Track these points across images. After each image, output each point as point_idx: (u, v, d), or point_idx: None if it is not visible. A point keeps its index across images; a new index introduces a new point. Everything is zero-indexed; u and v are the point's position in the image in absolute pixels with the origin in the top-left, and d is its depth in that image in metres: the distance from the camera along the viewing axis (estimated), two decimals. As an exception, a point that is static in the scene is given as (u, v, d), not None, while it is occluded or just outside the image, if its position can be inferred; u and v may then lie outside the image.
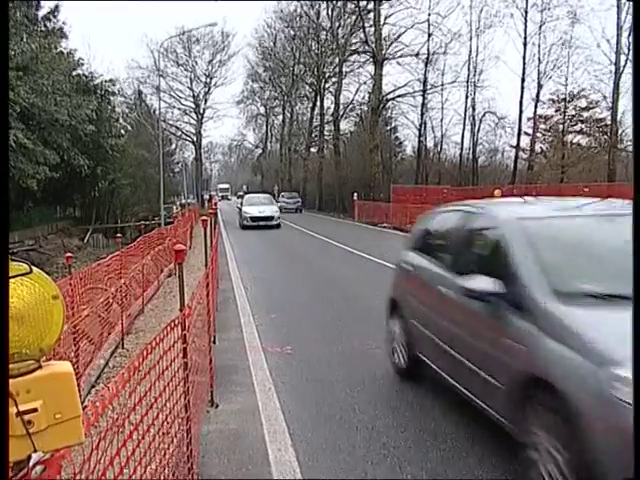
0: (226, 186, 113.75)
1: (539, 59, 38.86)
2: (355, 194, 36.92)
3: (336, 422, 4.87)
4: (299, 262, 16.64)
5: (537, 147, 42.49)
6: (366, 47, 43.81)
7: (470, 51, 42.95)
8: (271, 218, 29.96)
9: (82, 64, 34.51)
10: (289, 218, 36.76)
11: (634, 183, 2.07)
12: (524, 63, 39.13)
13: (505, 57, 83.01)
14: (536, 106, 40.03)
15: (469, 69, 43.32)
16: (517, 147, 41.77)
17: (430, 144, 48.89)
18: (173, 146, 73.71)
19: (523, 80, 39.28)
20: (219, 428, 4.84)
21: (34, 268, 1.38)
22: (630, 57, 28.58)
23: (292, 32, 56.46)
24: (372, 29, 42.77)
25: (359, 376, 6.07)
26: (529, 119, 41.12)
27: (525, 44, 38.87)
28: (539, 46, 38.66)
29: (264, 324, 8.67)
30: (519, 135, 41.32)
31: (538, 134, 41.86)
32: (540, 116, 40.87)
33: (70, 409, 1.35)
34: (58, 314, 1.40)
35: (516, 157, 41.94)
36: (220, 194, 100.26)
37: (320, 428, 4.77)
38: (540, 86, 39.18)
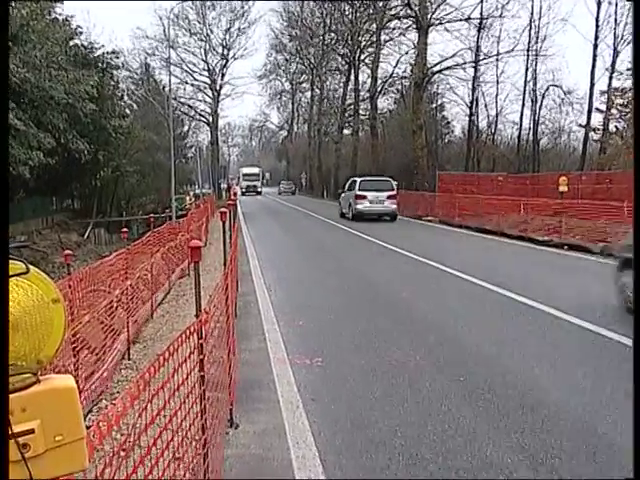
0: (255, 170, 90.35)
1: (615, 20, 38.12)
2: (395, 183, 36.69)
3: (374, 446, 4.84)
4: (328, 258, 16.61)
5: (611, 126, 41.71)
6: (408, 11, 43.41)
7: (532, 13, 42.76)
8: None
9: (80, 33, 35.18)
10: (314, 208, 36.79)
11: (634, 183, 2.06)
12: (597, 26, 38.57)
13: (574, 20, 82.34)
14: (611, 77, 39.39)
15: (530, 35, 43.02)
16: (587, 126, 41.16)
17: (483, 124, 48.70)
18: (186, 128, 74.57)
19: (596, 46, 38.73)
20: (239, 452, 4.85)
21: (31, 267, 1.37)
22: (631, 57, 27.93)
23: (322, -6, 56.52)
24: (415, -11, 42.50)
25: (400, 392, 6.04)
26: (602, 93, 40.52)
27: (599, 3, 38.30)
28: (616, 4, 37.89)
29: (290, 332, 8.68)
30: (590, 112, 40.76)
31: (613, 110, 41.02)
32: (616, 89, 40.04)
33: (72, 430, 1.34)
34: (59, 320, 1.39)
35: (586, 138, 41.32)
36: (244, 183, 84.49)
37: (356, 453, 4.75)
38: (616, 53, 38.48)
